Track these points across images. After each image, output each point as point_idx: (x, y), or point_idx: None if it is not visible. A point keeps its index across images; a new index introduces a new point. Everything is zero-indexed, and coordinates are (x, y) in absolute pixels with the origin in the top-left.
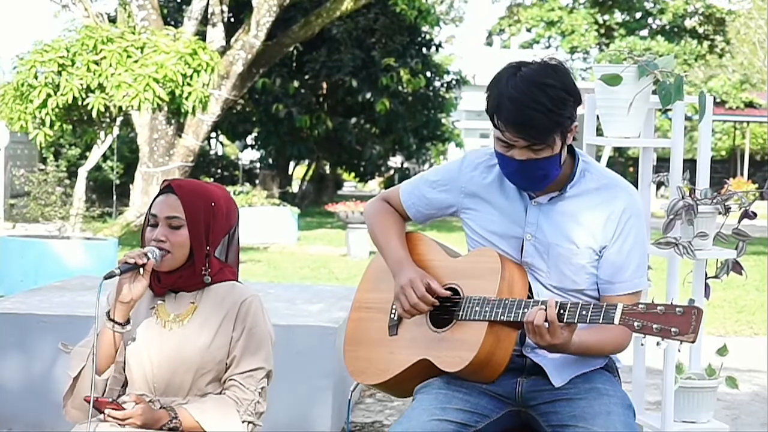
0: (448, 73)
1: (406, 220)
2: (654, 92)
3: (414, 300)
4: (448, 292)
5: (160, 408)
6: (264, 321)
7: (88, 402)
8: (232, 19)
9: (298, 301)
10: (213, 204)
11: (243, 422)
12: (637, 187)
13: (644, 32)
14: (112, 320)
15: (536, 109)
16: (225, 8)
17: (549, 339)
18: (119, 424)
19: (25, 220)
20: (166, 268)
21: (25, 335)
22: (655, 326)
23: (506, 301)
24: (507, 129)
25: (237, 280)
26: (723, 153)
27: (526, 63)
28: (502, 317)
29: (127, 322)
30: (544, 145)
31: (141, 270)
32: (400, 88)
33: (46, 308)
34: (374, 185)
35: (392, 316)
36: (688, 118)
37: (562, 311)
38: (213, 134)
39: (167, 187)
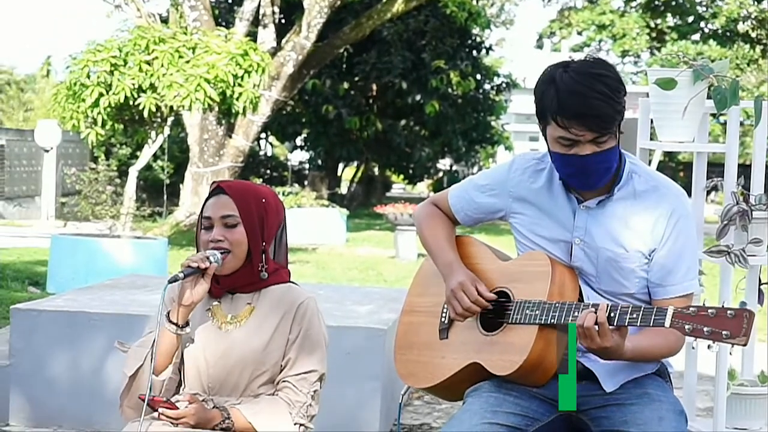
0: (498, 75)
1: (455, 224)
2: (708, 97)
3: (467, 303)
4: (494, 296)
5: (213, 408)
6: (319, 324)
7: (143, 400)
8: (283, 21)
9: (347, 303)
10: (264, 200)
11: (295, 424)
12: (689, 192)
13: (696, 36)
14: (173, 322)
15: (598, 98)
16: (276, 9)
17: (599, 342)
18: (172, 423)
19: (76, 219)
20: (228, 269)
21: (76, 333)
22: (706, 329)
23: (556, 305)
24: (572, 124)
25: (291, 281)
26: None
27: (569, 61)
28: (552, 321)
29: (186, 324)
30: (608, 135)
31: (203, 273)
32: (449, 90)
33: (96, 306)
34: (423, 187)
35: (443, 319)
36: (740, 123)
37: (612, 314)
38: (263, 135)
39: (217, 189)
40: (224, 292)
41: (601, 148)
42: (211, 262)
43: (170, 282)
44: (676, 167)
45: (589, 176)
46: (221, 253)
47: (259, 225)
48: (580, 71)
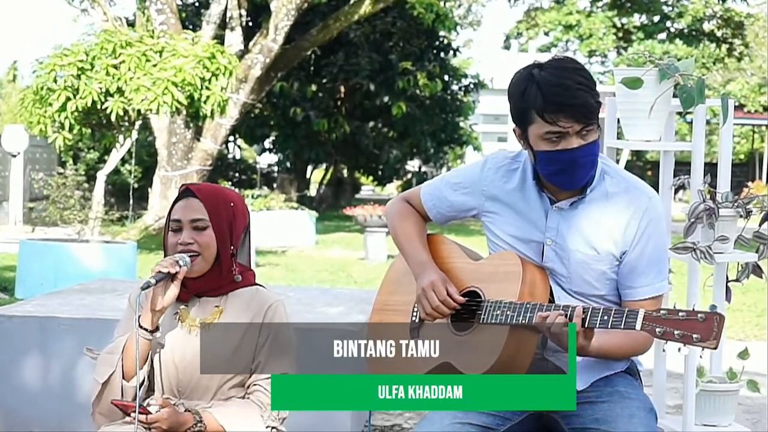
0: (465, 76)
1: (427, 221)
2: (675, 95)
3: (435, 303)
4: (463, 299)
5: (185, 411)
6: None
7: (116, 405)
8: (251, 23)
9: (317, 305)
10: (232, 204)
11: (267, 427)
12: (657, 191)
13: (662, 35)
14: (144, 328)
15: (582, 89)
16: (243, 12)
17: (564, 342)
18: (145, 428)
19: (44, 224)
20: (196, 272)
21: (45, 338)
22: (676, 332)
23: (527, 305)
24: (559, 117)
25: (258, 284)
26: (741, 156)
27: (540, 62)
28: (523, 321)
29: (157, 329)
30: (593, 126)
31: (172, 278)
32: (417, 91)
33: (66, 311)
34: (392, 189)
35: (414, 318)
36: (706, 122)
37: (584, 316)
38: (231, 138)
39: (186, 191)
40: (191, 295)
41: (587, 141)
42: (180, 266)
43: (143, 289)
44: (644, 166)
45: (576, 171)
46: (190, 256)
47: (228, 229)
48: (558, 66)
